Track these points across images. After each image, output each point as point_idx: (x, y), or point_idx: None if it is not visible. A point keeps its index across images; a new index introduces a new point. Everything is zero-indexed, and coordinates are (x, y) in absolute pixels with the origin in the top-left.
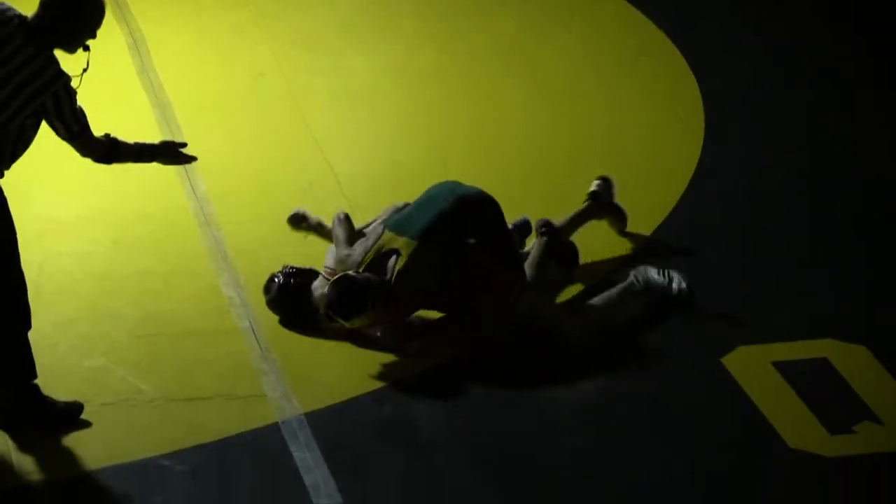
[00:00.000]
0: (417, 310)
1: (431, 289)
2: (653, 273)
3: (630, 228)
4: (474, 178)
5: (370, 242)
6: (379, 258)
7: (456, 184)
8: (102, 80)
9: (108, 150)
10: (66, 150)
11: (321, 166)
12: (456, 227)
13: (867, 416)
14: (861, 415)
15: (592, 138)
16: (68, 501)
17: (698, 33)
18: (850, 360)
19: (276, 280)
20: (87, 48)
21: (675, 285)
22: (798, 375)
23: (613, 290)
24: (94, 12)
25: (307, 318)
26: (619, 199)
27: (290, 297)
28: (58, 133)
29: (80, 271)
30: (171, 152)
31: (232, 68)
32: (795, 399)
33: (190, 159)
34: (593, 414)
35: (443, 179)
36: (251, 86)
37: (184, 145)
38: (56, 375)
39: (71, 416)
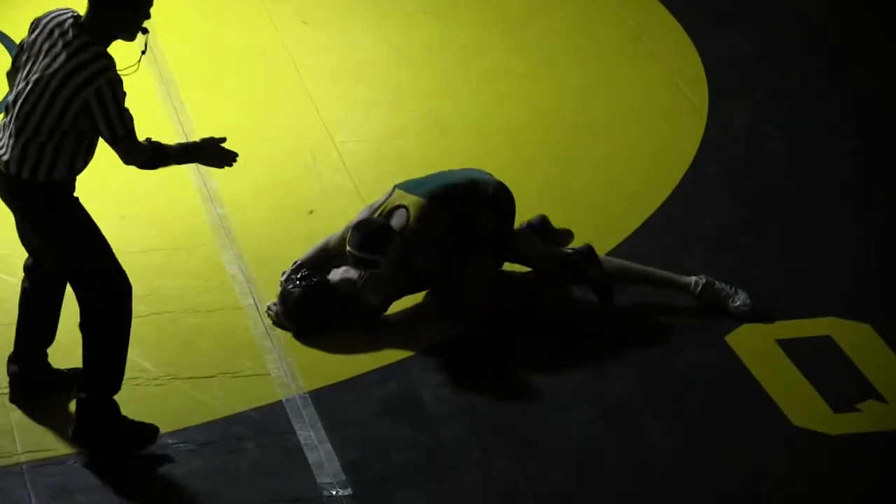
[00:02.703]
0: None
1: (430, 252)
2: (719, 283)
3: (633, 206)
4: (476, 157)
5: (380, 201)
6: (387, 214)
7: (478, 171)
8: None
9: (153, 155)
10: None
11: (324, 141)
12: (463, 202)
13: (871, 394)
14: (865, 393)
15: (595, 114)
16: (74, 479)
17: (701, 8)
18: (853, 338)
19: (297, 287)
20: (145, 31)
21: (738, 300)
22: (802, 354)
23: (665, 273)
24: None
25: (329, 324)
26: (623, 177)
27: (316, 299)
28: (102, 135)
29: None
30: (213, 149)
31: (236, 45)
32: (799, 377)
33: (232, 157)
34: (597, 390)
35: (445, 155)
36: (254, 62)
37: (223, 140)
38: (61, 352)
39: (146, 437)
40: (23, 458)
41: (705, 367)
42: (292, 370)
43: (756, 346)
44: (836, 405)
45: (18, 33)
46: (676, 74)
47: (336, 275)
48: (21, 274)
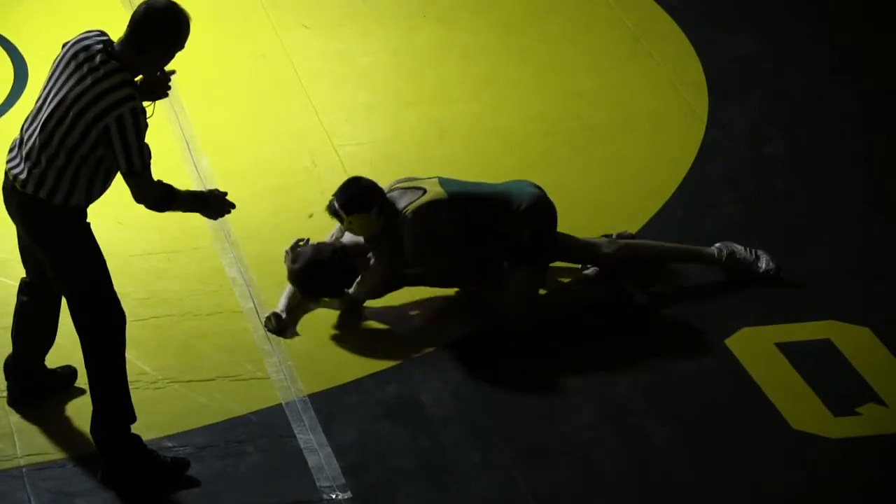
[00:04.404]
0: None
1: (430, 247)
2: (738, 247)
3: (634, 209)
4: (475, 162)
5: (417, 179)
6: (409, 188)
7: (523, 183)
8: None
9: (163, 197)
10: None
11: (324, 144)
12: (489, 215)
13: (870, 397)
14: (864, 396)
15: (594, 118)
16: (73, 482)
17: (700, 11)
18: (853, 341)
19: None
20: (172, 72)
21: (762, 263)
22: (801, 357)
23: (689, 246)
24: (183, 34)
25: (338, 287)
26: (623, 180)
27: (328, 258)
28: (118, 166)
29: None
30: (217, 202)
31: (236, 48)
32: (799, 381)
33: (229, 209)
34: (597, 393)
35: (444, 159)
36: (255, 66)
37: (226, 194)
38: (60, 357)
39: (177, 471)
40: (23, 462)
41: (705, 371)
42: (292, 373)
43: (756, 349)
44: (836, 409)
45: (18, 35)
46: (676, 77)
47: (348, 238)
48: (20, 277)
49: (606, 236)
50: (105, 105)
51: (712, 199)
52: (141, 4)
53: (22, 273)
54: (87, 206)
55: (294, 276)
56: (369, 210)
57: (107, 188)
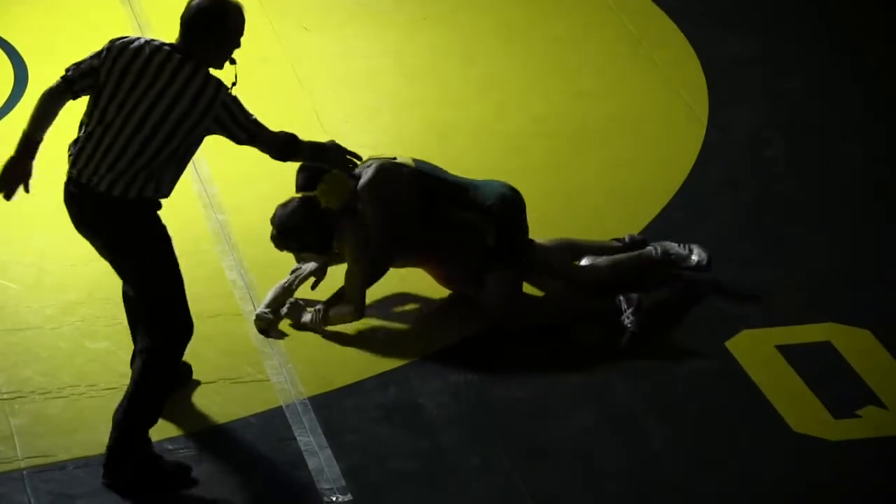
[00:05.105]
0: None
1: (387, 208)
2: (672, 245)
3: (634, 212)
4: (476, 165)
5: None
6: (378, 158)
7: (495, 183)
8: None
9: (288, 143)
10: (70, 130)
11: None
12: (450, 199)
13: (871, 399)
14: (865, 399)
15: (595, 120)
16: (74, 485)
17: (701, 14)
18: (853, 343)
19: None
20: (233, 61)
21: (695, 256)
22: (802, 359)
23: (624, 255)
24: (236, 21)
25: (320, 243)
26: (623, 183)
27: (310, 212)
28: (238, 140)
29: (83, 253)
30: (339, 152)
31: (236, 51)
32: (799, 383)
33: (354, 160)
34: (597, 396)
35: (445, 162)
36: (255, 68)
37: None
38: (60, 359)
39: (179, 477)
40: (23, 464)
41: (705, 373)
42: (292, 376)
43: (756, 351)
44: (836, 411)
45: (18, 37)
46: (676, 80)
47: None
48: (21, 280)
49: (618, 240)
50: (207, 100)
51: (712, 200)
52: (188, 4)
53: (23, 275)
54: (161, 199)
55: (273, 235)
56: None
57: (176, 183)
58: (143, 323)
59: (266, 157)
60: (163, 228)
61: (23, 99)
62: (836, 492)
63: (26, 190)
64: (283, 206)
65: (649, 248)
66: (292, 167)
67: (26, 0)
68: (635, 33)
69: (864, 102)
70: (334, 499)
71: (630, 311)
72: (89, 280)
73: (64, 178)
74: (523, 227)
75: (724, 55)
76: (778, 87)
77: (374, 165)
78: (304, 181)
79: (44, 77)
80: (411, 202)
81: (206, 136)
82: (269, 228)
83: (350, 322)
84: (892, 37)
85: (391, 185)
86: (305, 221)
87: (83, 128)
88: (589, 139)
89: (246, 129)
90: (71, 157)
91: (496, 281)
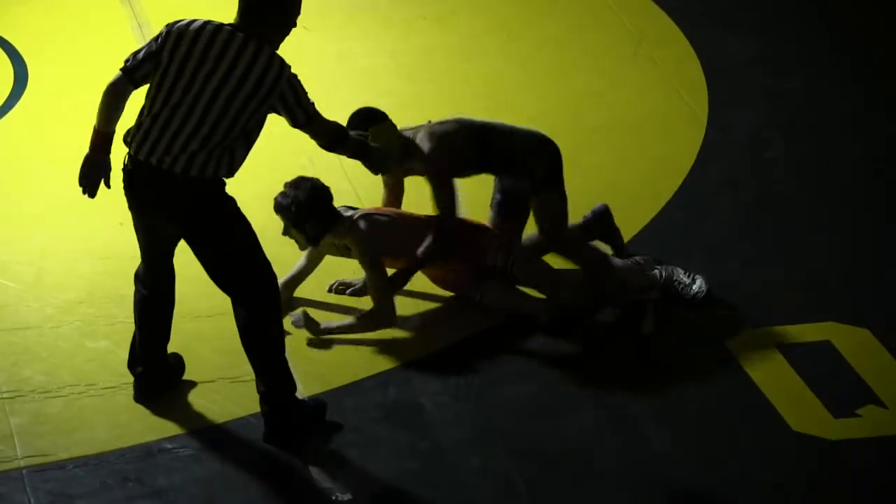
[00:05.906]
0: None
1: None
2: (679, 270)
3: (633, 212)
4: None
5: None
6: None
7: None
8: (107, 63)
9: (337, 133)
10: (70, 129)
11: None
12: (501, 137)
13: (871, 399)
14: (865, 398)
15: (594, 120)
16: (74, 484)
17: (701, 14)
18: (853, 343)
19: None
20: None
21: (695, 287)
22: (802, 359)
23: (630, 262)
24: (294, 2)
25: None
26: (623, 183)
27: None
28: (295, 120)
29: (83, 252)
30: (381, 157)
31: None
32: (799, 382)
33: (390, 166)
34: (597, 396)
35: None
36: None
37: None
38: (61, 357)
39: (321, 416)
40: (23, 463)
41: (705, 372)
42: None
43: (756, 350)
44: (836, 410)
45: (18, 36)
46: (676, 80)
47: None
48: (21, 279)
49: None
50: (273, 78)
51: (712, 200)
52: None
53: (22, 274)
54: (229, 177)
55: (279, 196)
56: (386, 118)
57: (243, 161)
58: (233, 297)
59: (265, 156)
60: (234, 201)
61: (23, 98)
62: (836, 491)
63: (107, 185)
64: (309, 178)
65: (656, 269)
66: (292, 167)
67: (26, 0)
68: (635, 33)
69: (864, 102)
70: (334, 498)
71: (653, 318)
72: (89, 280)
73: (67, 169)
74: (560, 165)
75: (724, 55)
76: (778, 87)
77: (423, 133)
78: (359, 119)
79: (44, 77)
80: (465, 157)
81: (268, 114)
82: (268, 226)
83: (384, 328)
84: (892, 37)
85: (447, 150)
86: (314, 202)
87: (145, 112)
88: (588, 139)
89: (305, 111)
90: (134, 144)
91: (544, 204)
